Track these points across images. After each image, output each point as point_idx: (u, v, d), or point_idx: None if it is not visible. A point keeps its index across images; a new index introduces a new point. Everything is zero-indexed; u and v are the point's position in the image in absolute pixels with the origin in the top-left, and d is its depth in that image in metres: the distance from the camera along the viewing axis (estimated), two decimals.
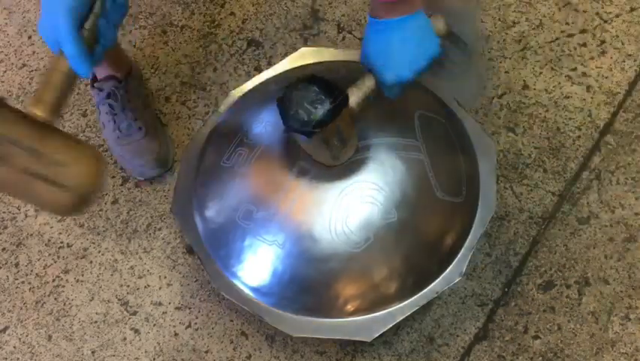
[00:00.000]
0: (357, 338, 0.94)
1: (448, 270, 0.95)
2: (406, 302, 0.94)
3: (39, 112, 0.65)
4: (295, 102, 0.84)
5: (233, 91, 1.11)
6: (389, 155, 0.95)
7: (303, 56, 1.12)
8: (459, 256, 0.96)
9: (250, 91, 1.11)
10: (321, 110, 0.83)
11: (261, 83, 1.11)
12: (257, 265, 0.96)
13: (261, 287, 0.96)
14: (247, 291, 0.97)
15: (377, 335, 0.93)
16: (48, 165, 0.62)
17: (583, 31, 1.29)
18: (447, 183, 0.97)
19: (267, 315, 0.95)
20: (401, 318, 0.93)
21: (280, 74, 1.11)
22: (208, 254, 1.00)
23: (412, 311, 0.93)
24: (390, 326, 0.93)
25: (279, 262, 0.95)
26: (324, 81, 0.84)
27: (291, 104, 0.84)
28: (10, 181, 0.62)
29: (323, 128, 0.84)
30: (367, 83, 0.88)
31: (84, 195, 0.65)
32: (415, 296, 0.94)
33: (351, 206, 0.93)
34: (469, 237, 0.97)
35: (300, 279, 0.95)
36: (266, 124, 1.00)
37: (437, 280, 0.95)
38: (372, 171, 0.94)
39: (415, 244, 0.95)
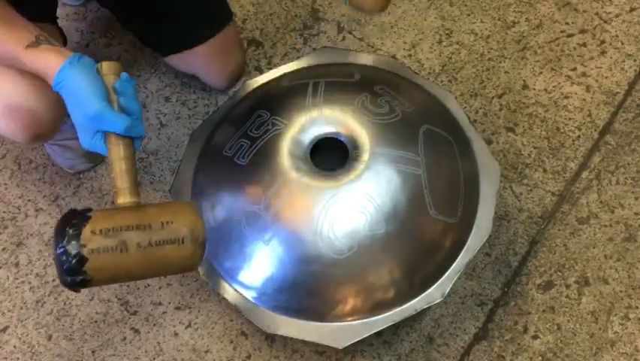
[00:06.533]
0: (329, 344, 0.92)
1: (430, 289, 0.93)
2: (383, 315, 0.93)
3: (125, 200, 0.76)
4: None
5: (249, 81, 1.11)
6: (386, 166, 0.94)
7: (320, 55, 1.11)
8: (443, 277, 0.94)
9: (263, 84, 1.10)
10: None
11: (276, 78, 1.10)
12: (241, 258, 0.96)
13: (243, 280, 0.96)
14: (230, 281, 0.97)
15: (348, 343, 0.91)
16: (159, 230, 0.73)
17: (583, 31, 1.29)
18: (442, 202, 0.94)
19: (244, 307, 0.95)
20: (375, 331, 0.92)
21: (296, 70, 1.10)
22: None
23: (387, 325, 0.92)
24: (364, 336, 0.92)
25: (263, 257, 0.94)
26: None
27: None
28: (141, 260, 0.72)
29: None
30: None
31: (198, 238, 0.74)
32: (394, 311, 0.93)
33: (339, 212, 0.92)
34: (457, 260, 0.94)
35: (281, 277, 0.94)
36: (272, 119, 1.00)
37: (418, 298, 0.93)
38: (367, 180, 0.93)
39: (400, 259, 0.93)
